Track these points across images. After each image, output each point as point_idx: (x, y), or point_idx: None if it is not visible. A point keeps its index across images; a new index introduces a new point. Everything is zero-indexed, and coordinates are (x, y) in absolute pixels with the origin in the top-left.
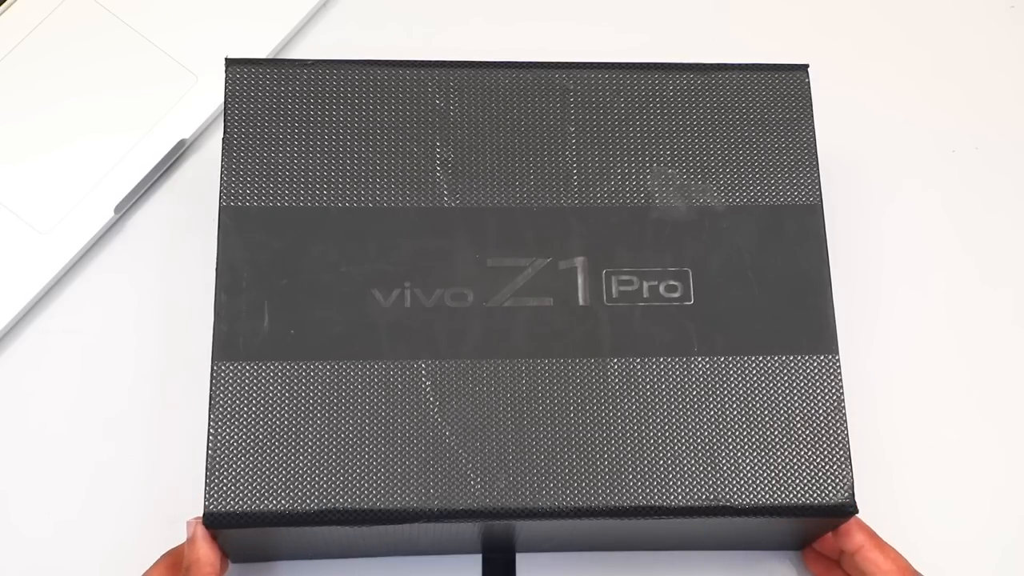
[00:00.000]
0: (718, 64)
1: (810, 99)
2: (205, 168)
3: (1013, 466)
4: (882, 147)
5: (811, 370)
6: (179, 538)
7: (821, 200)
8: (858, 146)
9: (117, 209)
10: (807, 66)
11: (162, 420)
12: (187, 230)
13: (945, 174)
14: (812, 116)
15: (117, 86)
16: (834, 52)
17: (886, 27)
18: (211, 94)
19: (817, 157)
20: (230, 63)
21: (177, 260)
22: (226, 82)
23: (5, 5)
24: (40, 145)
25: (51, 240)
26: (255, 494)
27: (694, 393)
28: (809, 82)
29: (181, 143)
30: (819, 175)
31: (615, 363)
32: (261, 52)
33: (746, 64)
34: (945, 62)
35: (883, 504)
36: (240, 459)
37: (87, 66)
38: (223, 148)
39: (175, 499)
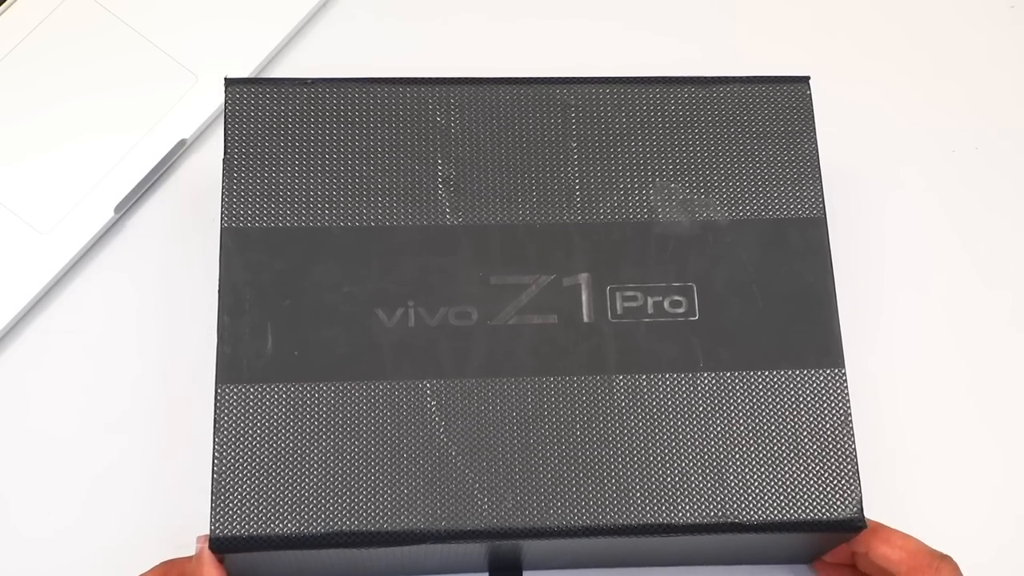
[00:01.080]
0: (719, 77)
1: (812, 111)
2: (205, 168)
3: (1022, 477)
4: (882, 147)
5: (817, 385)
6: (179, 538)
7: (824, 213)
8: (858, 146)
9: (117, 209)
10: (808, 78)
11: (163, 421)
12: (187, 230)
13: (945, 174)
14: (814, 128)
15: (117, 86)
16: (834, 53)
17: (886, 27)
18: (211, 94)
19: (820, 169)
20: (229, 83)
21: (177, 260)
22: (226, 102)
23: (5, 5)
24: (40, 145)
25: (51, 240)
26: (261, 518)
27: (700, 409)
28: (811, 94)
29: (181, 143)
30: (822, 188)
31: (621, 380)
32: (261, 52)
33: (748, 77)
34: (945, 62)
35: (893, 517)
36: (246, 482)
37: (87, 66)
38: (224, 169)
39: (176, 500)
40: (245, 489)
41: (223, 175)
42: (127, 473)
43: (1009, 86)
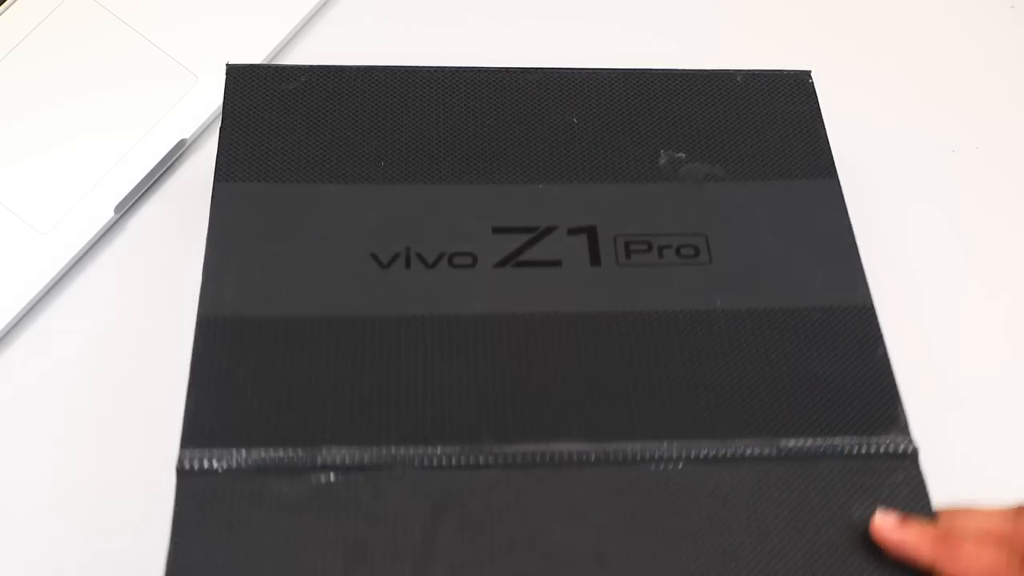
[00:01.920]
0: (724, 71)
1: (816, 99)
2: (205, 168)
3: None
4: (882, 147)
5: (846, 318)
6: None
7: (837, 177)
8: (858, 147)
9: (117, 209)
10: (809, 72)
11: (162, 419)
12: (187, 230)
13: (945, 174)
14: (820, 112)
15: (117, 86)
16: (834, 53)
17: (886, 28)
18: (211, 94)
19: (829, 145)
20: (230, 69)
21: (178, 260)
22: (226, 85)
23: (5, 5)
24: (40, 145)
25: (51, 240)
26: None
27: (716, 345)
28: (812, 83)
29: (181, 143)
30: (833, 159)
31: (628, 317)
32: (261, 52)
33: (752, 71)
34: (945, 63)
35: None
36: (220, 411)
37: (87, 66)
38: (219, 142)
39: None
40: (216, 417)
41: (217, 158)
42: (126, 471)
43: (1009, 86)
